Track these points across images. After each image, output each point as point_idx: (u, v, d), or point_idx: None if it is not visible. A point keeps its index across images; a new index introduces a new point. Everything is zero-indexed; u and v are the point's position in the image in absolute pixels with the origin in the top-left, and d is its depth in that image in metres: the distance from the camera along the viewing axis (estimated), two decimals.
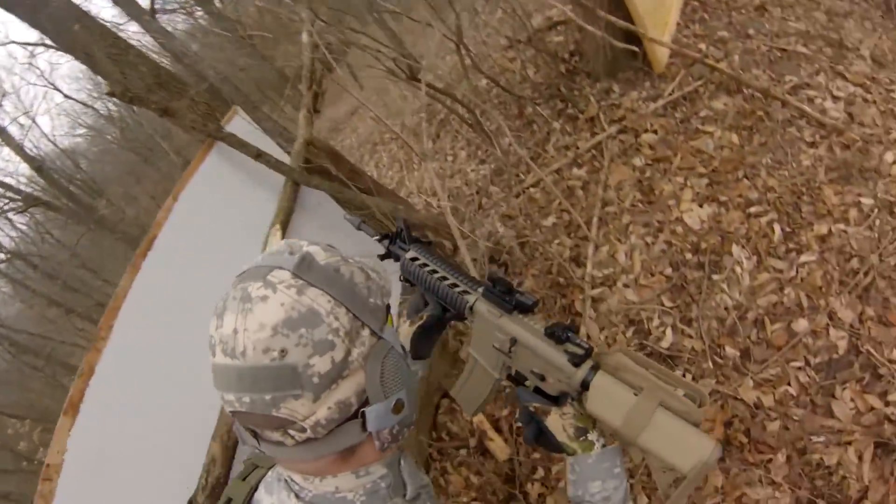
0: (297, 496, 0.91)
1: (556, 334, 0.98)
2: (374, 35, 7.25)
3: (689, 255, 3.34)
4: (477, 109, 5.08)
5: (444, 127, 6.41)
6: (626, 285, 3.40)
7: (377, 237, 1.35)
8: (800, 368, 2.80)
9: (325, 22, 4.23)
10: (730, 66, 4.25)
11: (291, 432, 0.81)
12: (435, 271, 1.20)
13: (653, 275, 3.36)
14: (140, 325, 2.68)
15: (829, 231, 3.17)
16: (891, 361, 2.72)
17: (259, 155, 3.08)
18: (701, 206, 3.51)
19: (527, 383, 1.09)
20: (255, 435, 0.86)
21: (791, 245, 3.19)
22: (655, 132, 4.06)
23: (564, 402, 1.04)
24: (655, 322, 3.19)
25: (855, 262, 3.04)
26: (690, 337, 3.06)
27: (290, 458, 0.90)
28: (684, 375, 2.95)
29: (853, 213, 3.22)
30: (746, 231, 3.31)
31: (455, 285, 1.16)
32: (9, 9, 5.23)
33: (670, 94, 4.24)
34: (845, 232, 3.15)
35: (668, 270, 3.34)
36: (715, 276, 3.20)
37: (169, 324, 2.68)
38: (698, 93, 4.18)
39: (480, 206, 4.71)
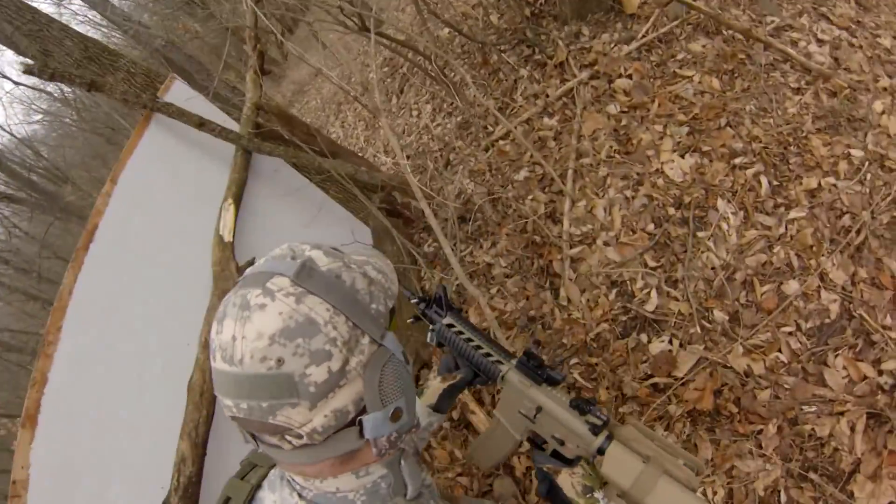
0: (299, 495, 0.92)
1: (580, 406, 1.12)
2: None
3: (671, 210, 3.12)
4: (439, 60, 4.77)
5: (406, 81, 6.10)
6: (606, 243, 3.18)
7: (414, 300, 1.43)
8: (791, 334, 2.65)
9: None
10: (707, 4, 4.00)
11: (289, 438, 0.82)
12: (471, 340, 1.32)
13: (634, 232, 3.14)
14: (91, 324, 2.44)
15: (819, 185, 3.01)
16: (885, 328, 2.59)
17: (202, 124, 2.85)
18: (682, 156, 3.30)
19: (545, 446, 1.22)
20: (255, 437, 0.86)
21: (779, 199, 3.01)
22: (630, 77, 3.81)
23: (576, 465, 1.16)
24: (639, 283, 2.98)
25: (846, 220, 2.88)
26: (676, 300, 2.86)
27: (288, 462, 0.91)
28: (671, 342, 2.77)
29: (843, 165, 3.06)
30: (732, 184, 3.11)
31: (489, 354, 1.29)
32: None
33: (644, 36, 4.00)
34: (835, 186, 2.99)
35: (651, 227, 3.13)
36: (700, 233, 3.00)
37: (122, 319, 2.49)
38: (674, 34, 3.95)
39: (448, 162, 4.45)
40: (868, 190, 2.95)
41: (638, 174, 3.33)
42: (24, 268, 19.70)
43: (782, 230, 2.90)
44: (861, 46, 3.69)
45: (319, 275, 0.82)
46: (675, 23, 3.96)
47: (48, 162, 23.67)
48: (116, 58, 3.59)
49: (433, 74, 4.53)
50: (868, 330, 2.58)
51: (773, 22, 3.84)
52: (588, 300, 3.09)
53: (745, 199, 3.03)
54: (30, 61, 2.87)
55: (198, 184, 2.94)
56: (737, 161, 3.18)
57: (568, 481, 1.15)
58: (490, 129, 4.35)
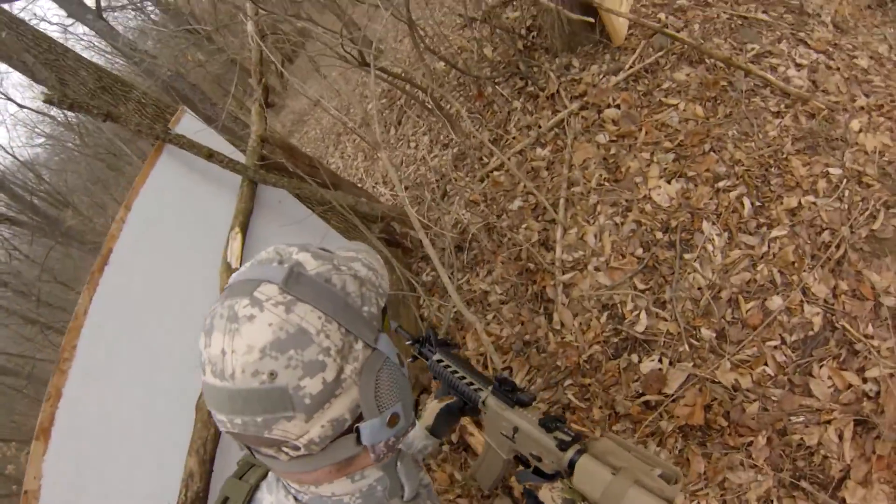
0: (295, 498, 0.93)
1: (547, 424, 1.19)
2: (329, 22, 7.08)
3: (659, 234, 3.27)
4: (435, 93, 4.96)
5: (404, 113, 6.30)
6: (597, 268, 3.33)
7: (409, 342, 1.57)
8: (776, 347, 2.77)
9: (267, 11, 4.06)
10: (690, 35, 4.18)
11: (285, 449, 0.81)
12: (455, 371, 1.43)
13: (624, 256, 3.29)
14: (104, 342, 2.61)
15: (799, 203, 3.14)
16: (867, 336, 2.70)
17: (211, 155, 2.98)
18: (669, 182, 3.45)
19: (530, 464, 1.28)
20: (251, 449, 0.86)
21: (761, 219, 3.15)
22: (618, 107, 3.97)
23: (556, 480, 1.22)
24: (629, 306, 3.12)
25: (826, 235, 3.01)
26: (665, 320, 3.00)
27: (285, 471, 0.91)
28: (661, 360, 2.90)
29: (822, 184, 3.19)
30: (716, 206, 3.26)
31: (471, 383, 1.39)
32: None
33: (631, 67, 4.15)
34: (815, 204, 3.12)
35: (640, 251, 3.27)
36: (687, 255, 3.14)
37: (133, 339, 2.63)
38: (659, 64, 4.11)
39: (445, 193, 4.61)
40: (846, 206, 3.08)
41: (627, 201, 3.48)
42: (22, 291, 19.69)
43: (765, 249, 3.03)
44: (838, 68, 3.84)
45: (309, 280, 0.81)
46: (660, 53, 4.12)
47: (50, 186, 23.91)
48: (129, 89, 3.79)
49: (430, 107, 4.71)
50: (851, 340, 2.69)
51: (753, 49, 4.00)
52: (580, 323, 3.22)
53: (729, 221, 3.17)
54: (47, 91, 3.03)
55: (206, 212, 3.09)
56: (720, 184, 3.32)
57: (548, 496, 1.21)
58: (485, 160, 4.52)
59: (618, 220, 3.44)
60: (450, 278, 3.12)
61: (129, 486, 2.36)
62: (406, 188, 5.13)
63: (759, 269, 2.98)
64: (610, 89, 4.08)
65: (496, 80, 4.88)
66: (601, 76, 4.24)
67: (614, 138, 3.84)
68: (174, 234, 2.96)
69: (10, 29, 4.47)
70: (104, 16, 12.10)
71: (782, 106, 3.62)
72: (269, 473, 1.02)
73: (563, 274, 3.42)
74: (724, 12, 4.35)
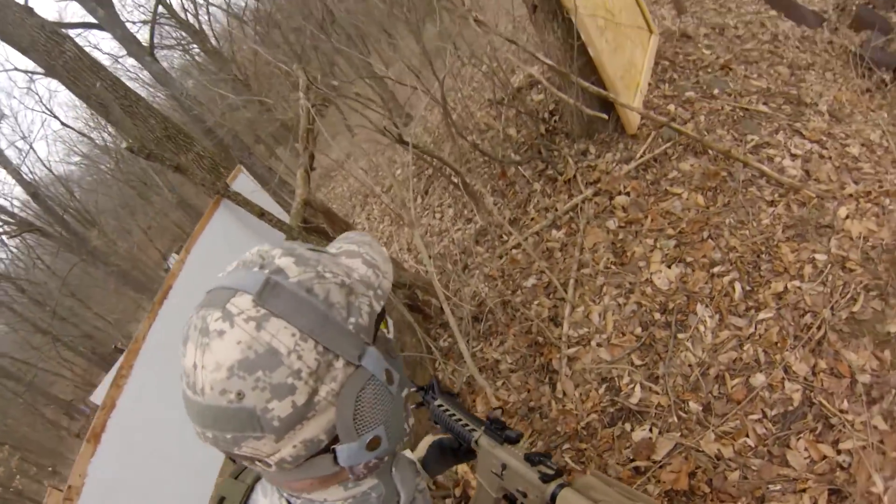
0: (288, 502, 0.93)
1: (531, 458, 1.21)
2: (365, 88, 7.66)
3: (657, 315, 3.66)
4: (463, 168, 5.44)
5: (432, 183, 6.77)
6: (599, 344, 3.72)
7: (414, 389, 1.54)
8: (758, 420, 3.08)
9: (317, 86, 4.59)
10: (696, 126, 4.62)
11: (258, 464, 0.81)
12: (453, 414, 1.47)
13: (624, 334, 3.69)
14: (157, 365, 3.06)
15: (786, 288, 3.47)
16: (841, 411, 2.99)
17: (262, 214, 3.43)
18: (669, 267, 3.84)
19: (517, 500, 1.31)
20: (231, 457, 0.85)
21: (750, 303, 3.50)
22: (628, 194, 4.41)
23: None
24: (626, 379, 3.50)
25: (808, 318, 3.32)
26: (657, 393, 3.36)
27: (268, 478, 0.94)
28: (651, 430, 3.26)
29: (808, 269, 3.53)
30: (710, 290, 3.63)
31: (466, 424, 1.42)
32: (26, 53, 5.76)
33: (642, 156, 4.59)
34: (800, 288, 3.45)
35: (638, 330, 3.66)
36: (680, 335, 3.52)
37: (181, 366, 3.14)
38: (667, 154, 4.54)
39: (466, 266, 5.04)
40: (829, 290, 3.39)
41: (630, 283, 3.89)
42: (38, 300, 20.13)
43: (752, 330, 3.37)
44: (830, 157, 4.21)
45: (285, 292, 0.77)
46: (669, 144, 4.55)
47: (80, 203, 24.80)
48: (190, 140, 4.34)
49: (456, 182, 5.17)
50: (827, 414, 2.98)
51: (752, 140, 4.40)
52: (581, 394, 3.59)
53: (721, 304, 3.54)
54: (129, 140, 3.48)
55: None
56: (715, 270, 3.70)
57: None
58: (504, 238, 4.93)
59: (621, 300, 3.85)
60: (466, 346, 3.55)
61: (162, 497, 2.71)
62: (430, 257, 5.57)
63: (745, 348, 3.33)
64: (622, 177, 4.52)
65: (519, 162, 5.35)
66: (615, 164, 4.69)
67: (623, 224, 4.27)
68: None
69: (91, 72, 5.17)
70: (155, 54, 12.99)
71: (776, 195, 3.98)
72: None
73: (569, 348, 3.81)
74: (728, 104, 4.79)
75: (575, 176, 4.80)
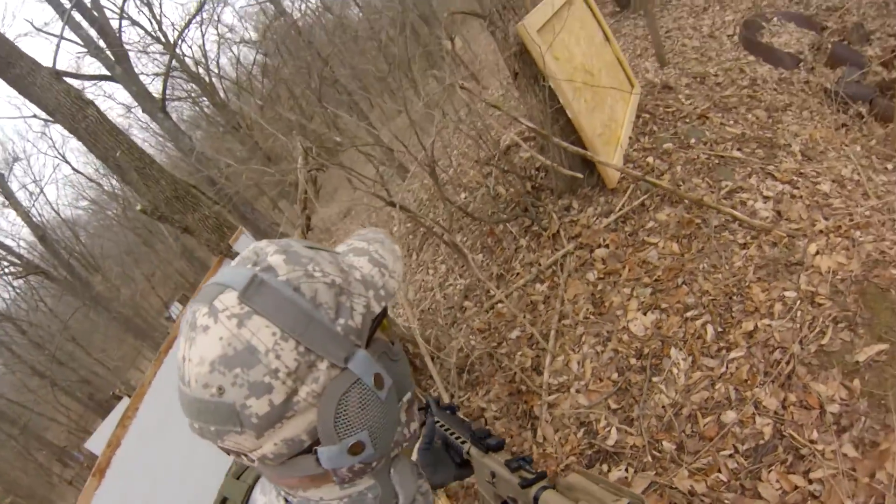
0: (285, 500, 0.94)
1: (510, 464, 1.24)
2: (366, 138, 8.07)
3: (633, 360, 3.88)
4: (455, 225, 5.73)
5: (427, 240, 7.09)
6: (578, 391, 3.93)
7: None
8: (730, 456, 3.24)
9: (316, 159, 4.94)
10: (672, 177, 4.90)
11: (243, 458, 0.83)
12: (448, 429, 1.49)
13: (601, 380, 3.91)
14: (160, 410, 3.35)
15: (756, 327, 3.66)
16: (811, 441, 3.14)
17: None
18: (645, 314, 4.07)
19: None
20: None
21: (722, 344, 3.69)
22: (607, 246, 4.67)
23: None
24: (602, 423, 3.70)
25: (778, 354, 3.51)
26: (632, 434, 3.56)
27: (264, 474, 0.97)
28: (627, 469, 3.44)
29: (778, 307, 3.72)
30: (684, 334, 3.84)
31: (458, 437, 1.44)
32: (51, 115, 6.28)
33: (620, 209, 4.87)
34: (770, 326, 3.63)
35: (615, 376, 3.88)
36: (655, 378, 3.72)
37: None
38: (645, 205, 4.80)
39: (455, 320, 5.30)
40: (798, 325, 3.57)
41: (608, 331, 4.12)
42: (38, 342, 20.47)
43: (723, 369, 3.56)
44: (801, 196, 4.43)
45: (270, 291, 0.78)
46: (646, 196, 4.82)
47: (85, 248, 25.45)
48: (197, 201, 4.71)
49: (447, 241, 5.43)
50: (797, 446, 3.14)
51: (726, 186, 4.65)
52: (560, 438, 3.79)
53: (694, 346, 3.75)
54: (143, 203, 3.84)
55: None
56: (689, 314, 3.91)
57: None
58: (491, 292, 5.16)
59: (599, 348, 4.08)
60: (451, 397, 3.77)
61: None
62: (422, 311, 5.88)
63: (716, 387, 3.52)
64: (601, 230, 4.80)
65: (506, 220, 5.65)
66: (595, 217, 4.97)
67: (602, 276, 4.52)
68: None
69: (110, 136, 5.65)
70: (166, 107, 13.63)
71: (748, 237, 4.19)
72: None
73: (549, 395, 4.03)
74: (704, 153, 5.07)
75: (559, 231, 5.08)
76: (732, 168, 4.86)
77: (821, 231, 4.13)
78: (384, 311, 0.91)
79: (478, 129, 6.12)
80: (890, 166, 5.07)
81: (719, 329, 3.79)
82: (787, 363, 3.47)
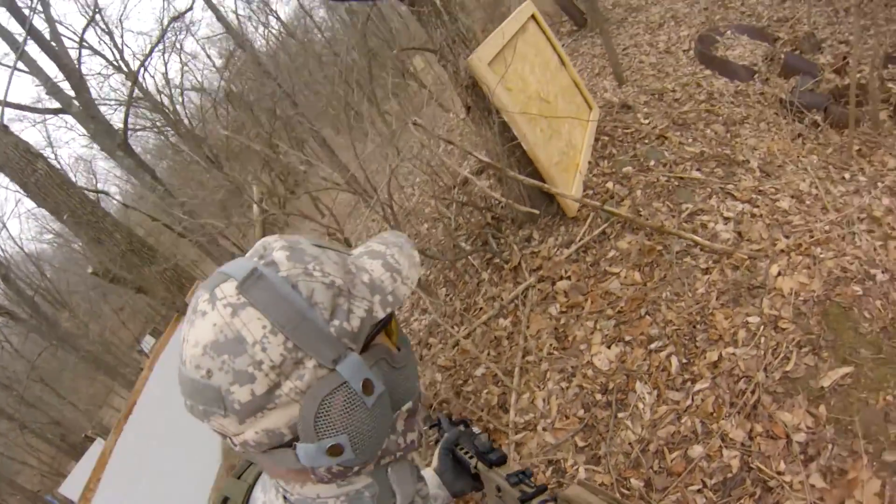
0: (284, 497, 0.95)
1: (510, 479, 1.27)
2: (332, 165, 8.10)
3: (598, 396, 3.88)
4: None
5: None
6: (544, 429, 3.92)
7: (426, 426, 1.72)
8: (698, 491, 3.25)
9: (264, 207, 4.97)
10: (633, 202, 4.94)
11: (228, 441, 0.86)
12: (457, 444, 1.54)
13: (567, 417, 3.90)
14: (139, 437, 3.36)
15: (720, 356, 3.68)
16: (779, 473, 3.16)
17: None
18: (609, 347, 4.08)
19: None
20: None
21: (687, 375, 3.70)
22: (569, 278, 4.69)
23: None
24: (570, 461, 3.69)
25: (743, 383, 3.52)
26: (600, 473, 3.56)
27: (260, 465, 1.00)
28: None
29: (741, 333, 3.74)
30: (648, 367, 3.84)
31: (467, 452, 1.48)
32: (0, 169, 6.22)
33: (581, 239, 4.90)
34: (734, 354, 3.65)
35: (581, 412, 3.87)
36: (620, 414, 3.73)
37: (161, 429, 3.48)
38: (606, 234, 4.83)
39: (421, 357, 5.30)
40: (762, 352, 3.59)
41: (572, 367, 4.12)
42: (5, 384, 20.10)
43: (689, 402, 3.57)
44: (762, 215, 4.48)
45: (267, 285, 0.81)
46: (607, 224, 4.85)
47: (50, 283, 25.10)
48: (153, 253, 4.71)
49: None
50: (764, 478, 3.15)
51: (687, 209, 4.69)
52: None
53: (658, 379, 3.75)
54: (94, 265, 3.86)
55: None
56: (653, 346, 3.92)
57: None
58: (456, 328, 5.18)
59: (564, 384, 4.08)
60: (421, 435, 3.76)
61: None
62: None
63: (682, 421, 3.53)
64: (563, 262, 4.82)
65: (467, 254, 5.67)
66: (556, 248, 4.99)
67: (564, 309, 4.53)
68: None
69: (61, 189, 5.60)
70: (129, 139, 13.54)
71: (710, 262, 4.23)
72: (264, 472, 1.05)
73: (516, 434, 4.01)
74: (663, 175, 5.12)
75: (520, 263, 5.10)
76: (692, 189, 4.91)
77: (782, 250, 4.18)
78: (389, 317, 0.94)
79: (433, 164, 6.13)
80: (847, 175, 5.15)
81: (684, 360, 3.81)
82: (753, 392, 3.50)
